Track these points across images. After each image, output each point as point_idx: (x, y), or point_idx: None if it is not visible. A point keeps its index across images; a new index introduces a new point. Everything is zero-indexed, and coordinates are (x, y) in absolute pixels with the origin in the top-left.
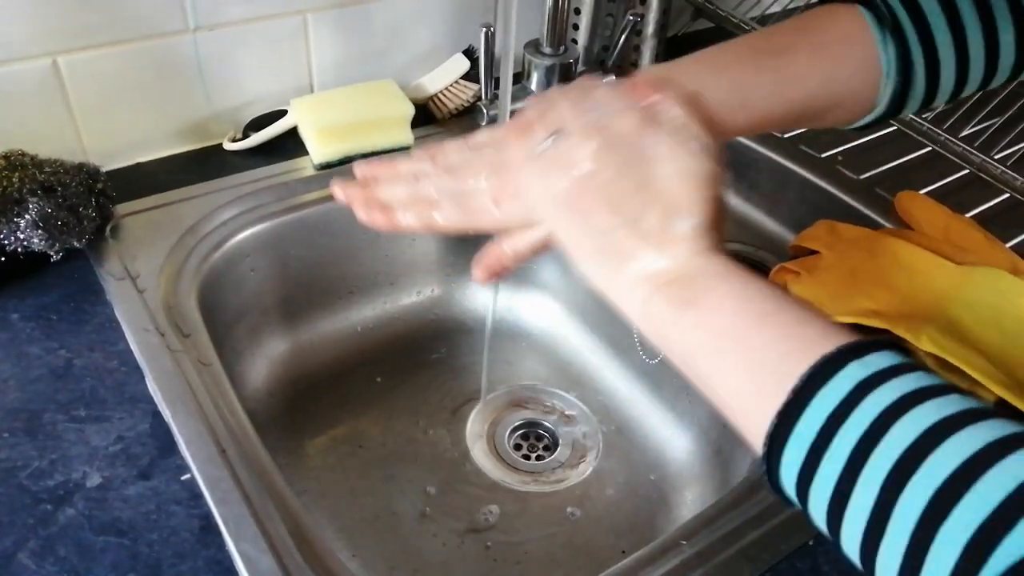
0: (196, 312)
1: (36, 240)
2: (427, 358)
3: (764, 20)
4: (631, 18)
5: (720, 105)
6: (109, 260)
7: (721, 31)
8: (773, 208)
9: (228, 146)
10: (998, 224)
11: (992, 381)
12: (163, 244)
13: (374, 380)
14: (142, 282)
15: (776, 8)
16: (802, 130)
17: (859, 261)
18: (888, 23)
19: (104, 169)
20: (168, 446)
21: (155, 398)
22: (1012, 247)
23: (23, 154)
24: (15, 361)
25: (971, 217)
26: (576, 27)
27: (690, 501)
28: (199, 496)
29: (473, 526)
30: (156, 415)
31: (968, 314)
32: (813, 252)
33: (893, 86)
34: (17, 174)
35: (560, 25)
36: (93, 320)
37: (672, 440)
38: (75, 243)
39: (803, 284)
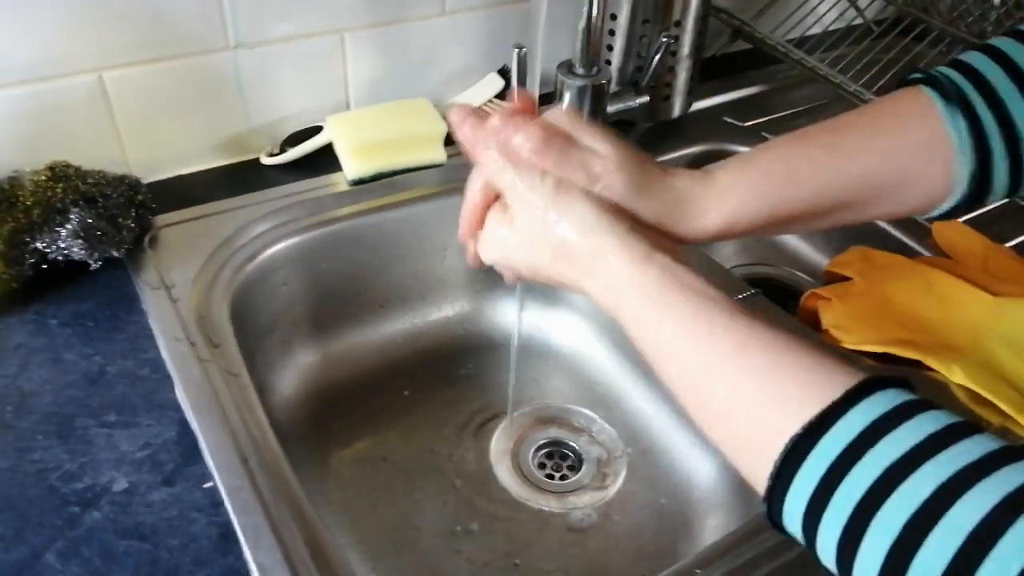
0: (227, 323)
1: (76, 249)
2: (455, 373)
3: (802, 42)
4: (665, 40)
5: (767, 175)
6: (146, 270)
7: (759, 53)
8: (809, 232)
9: (265, 160)
10: None
11: None
12: (199, 255)
13: (402, 394)
14: (176, 292)
15: (816, 30)
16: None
17: (892, 289)
18: (954, 98)
19: (145, 181)
20: (193, 454)
21: (183, 406)
22: None
23: (68, 165)
24: (51, 366)
25: (1010, 247)
26: (610, 48)
27: (713, 528)
28: (220, 504)
29: (494, 544)
30: (183, 423)
31: (1003, 347)
32: (846, 278)
33: (970, 164)
34: (61, 185)
35: (594, 46)
36: (128, 328)
37: (698, 466)
38: (114, 252)
39: (833, 310)
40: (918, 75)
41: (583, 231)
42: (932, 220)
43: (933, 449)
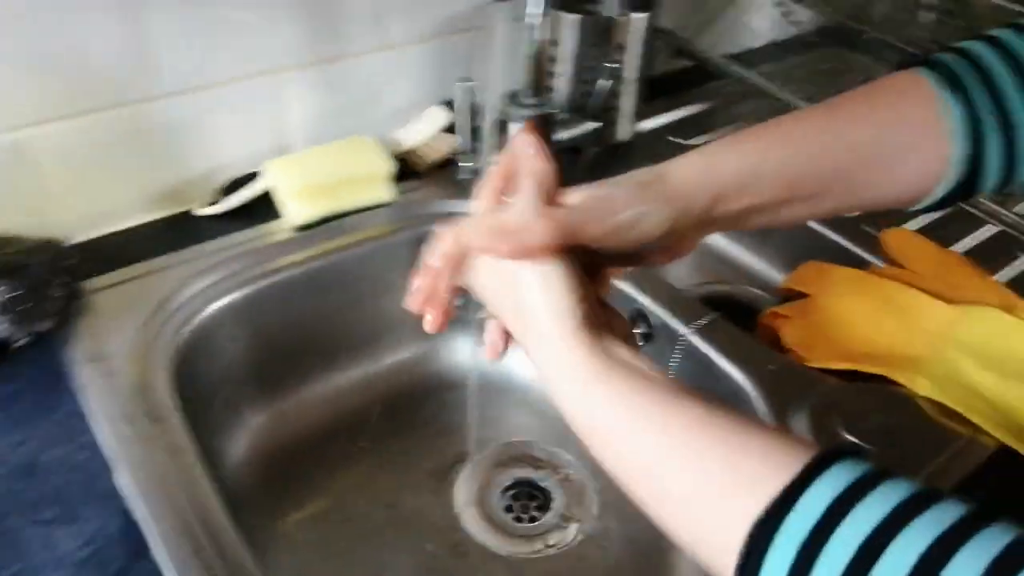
0: (169, 393)
1: (1, 327)
2: (413, 419)
3: (741, 57)
4: (611, 66)
5: (762, 136)
6: (77, 342)
7: (700, 70)
8: (760, 247)
9: (201, 211)
10: (986, 257)
11: (992, 425)
12: (134, 321)
13: (357, 446)
14: (112, 364)
15: (754, 43)
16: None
17: (851, 304)
18: (951, 82)
19: (72, 242)
20: (141, 549)
21: (126, 493)
22: (1002, 281)
23: None
24: None
25: (958, 251)
26: (553, 75)
27: (691, 558)
28: None
29: None
30: (128, 513)
31: (964, 355)
32: (803, 295)
33: (963, 148)
34: None
35: (539, 75)
36: (61, 408)
37: None
38: (41, 326)
39: (794, 328)
40: (915, 59)
41: (544, 304)
42: (926, 209)
43: (905, 518)
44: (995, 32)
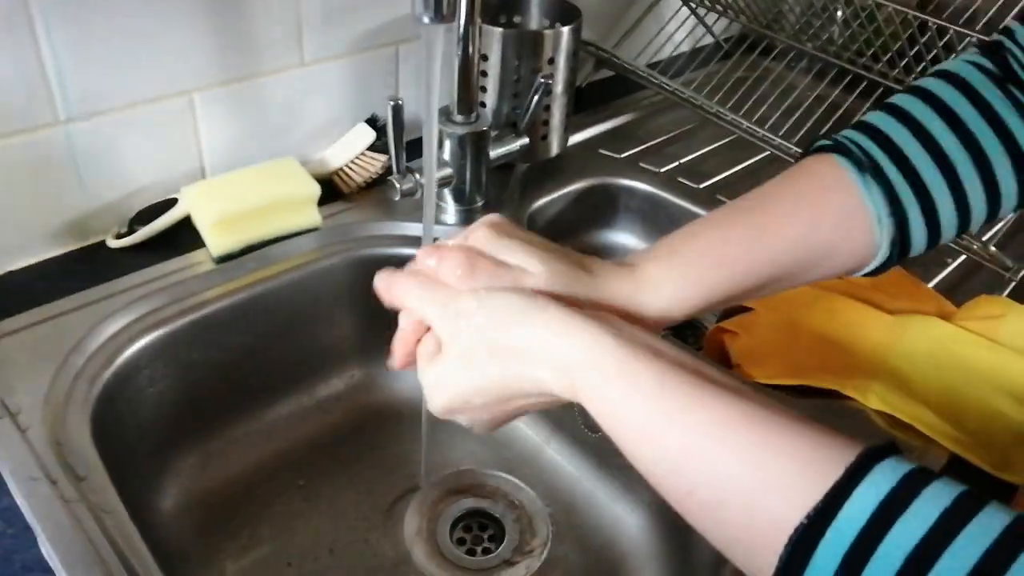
0: (90, 446)
1: None
2: (354, 451)
3: (661, 66)
4: (542, 81)
5: (695, 263)
6: None
7: (622, 79)
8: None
9: (113, 243)
10: (917, 264)
11: (943, 437)
12: (46, 368)
13: (296, 485)
14: (24, 419)
15: (672, 51)
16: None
17: (796, 317)
18: (867, 167)
19: None
20: None
21: (51, 564)
22: (935, 288)
23: None
24: None
25: None
26: (484, 89)
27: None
28: None
29: None
30: None
31: (908, 365)
32: (748, 309)
33: (889, 230)
34: None
35: (469, 92)
36: None
37: (624, 517)
38: None
39: (742, 344)
40: (826, 143)
41: (516, 321)
42: (863, 275)
43: (952, 528)
44: (895, 101)
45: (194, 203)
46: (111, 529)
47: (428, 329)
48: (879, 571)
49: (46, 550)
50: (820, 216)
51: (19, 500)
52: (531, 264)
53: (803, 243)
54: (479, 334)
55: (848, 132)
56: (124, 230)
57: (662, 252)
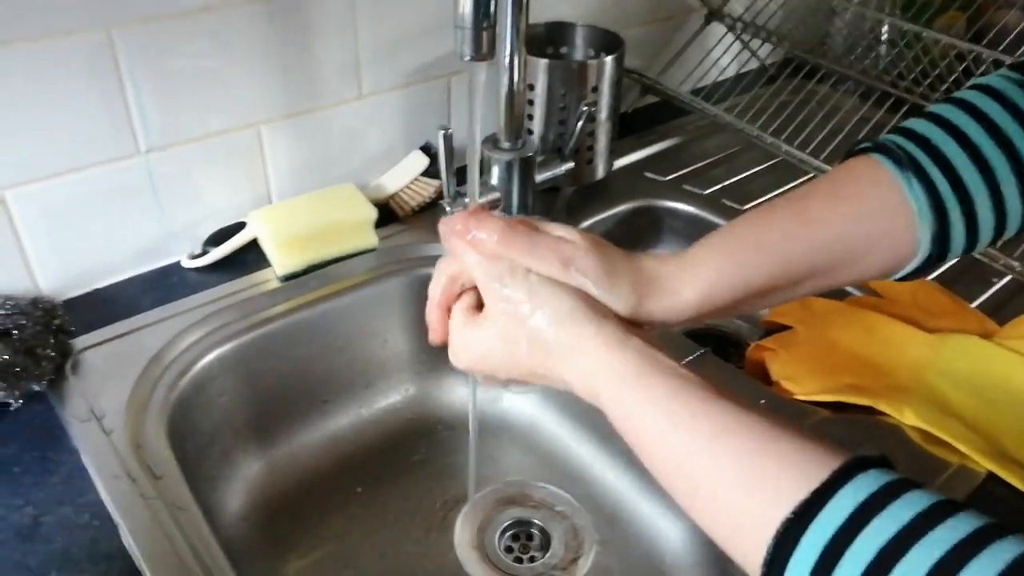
0: (167, 448)
1: None
2: (408, 461)
3: (707, 91)
4: (585, 109)
5: (734, 245)
6: (72, 401)
7: (668, 105)
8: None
9: (187, 263)
10: (961, 284)
11: (979, 454)
12: (127, 376)
13: (355, 491)
14: (108, 422)
15: (718, 76)
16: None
17: (834, 335)
18: (908, 164)
19: (61, 299)
20: None
21: (132, 554)
22: (978, 307)
23: None
24: None
25: (933, 279)
26: (531, 117)
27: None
28: None
29: None
30: (135, 572)
31: (945, 383)
32: (786, 327)
33: (930, 226)
34: None
35: (516, 118)
36: (60, 470)
37: (668, 528)
38: (35, 387)
39: (781, 361)
40: (866, 144)
41: (558, 321)
42: (900, 280)
43: (923, 528)
44: (933, 109)
45: (261, 226)
46: (185, 525)
47: (461, 292)
48: (852, 564)
49: (127, 541)
50: (862, 209)
51: (104, 496)
52: (569, 234)
53: (844, 234)
54: (521, 322)
55: (887, 136)
56: (198, 251)
57: (703, 240)
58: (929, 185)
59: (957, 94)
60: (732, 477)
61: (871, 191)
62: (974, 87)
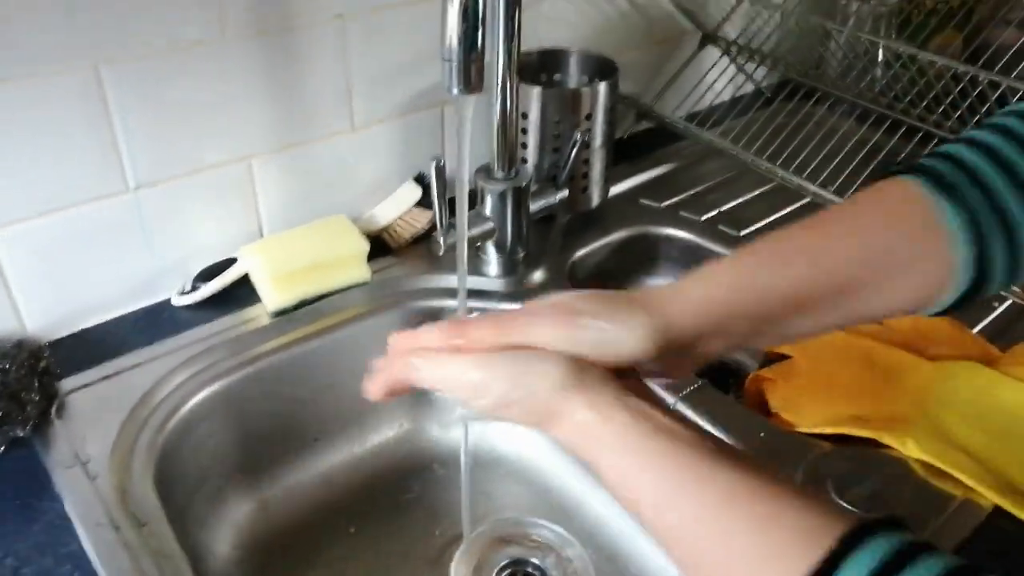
0: (153, 493)
1: None
2: (402, 499)
3: (703, 116)
4: (579, 136)
5: (746, 256)
6: (56, 446)
7: (663, 130)
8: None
9: (177, 300)
10: (961, 309)
11: (985, 486)
12: (114, 419)
13: (348, 532)
14: (93, 467)
15: (713, 100)
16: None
17: (835, 365)
18: (941, 183)
19: (47, 339)
20: None
21: None
22: (980, 333)
23: None
24: None
25: None
26: (524, 146)
27: None
28: None
29: None
30: None
31: (948, 413)
32: (785, 356)
33: (968, 248)
34: None
35: (509, 146)
36: (43, 518)
37: (668, 568)
38: (19, 432)
39: (780, 391)
40: (898, 168)
41: (550, 387)
42: (941, 313)
43: None
44: (971, 134)
45: (252, 261)
46: (169, 574)
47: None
48: None
49: None
50: (890, 227)
51: (86, 545)
52: (557, 296)
53: (868, 252)
54: (510, 397)
55: (922, 160)
56: (188, 287)
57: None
58: (965, 206)
59: (991, 119)
60: (741, 548)
61: (900, 209)
62: (1008, 113)
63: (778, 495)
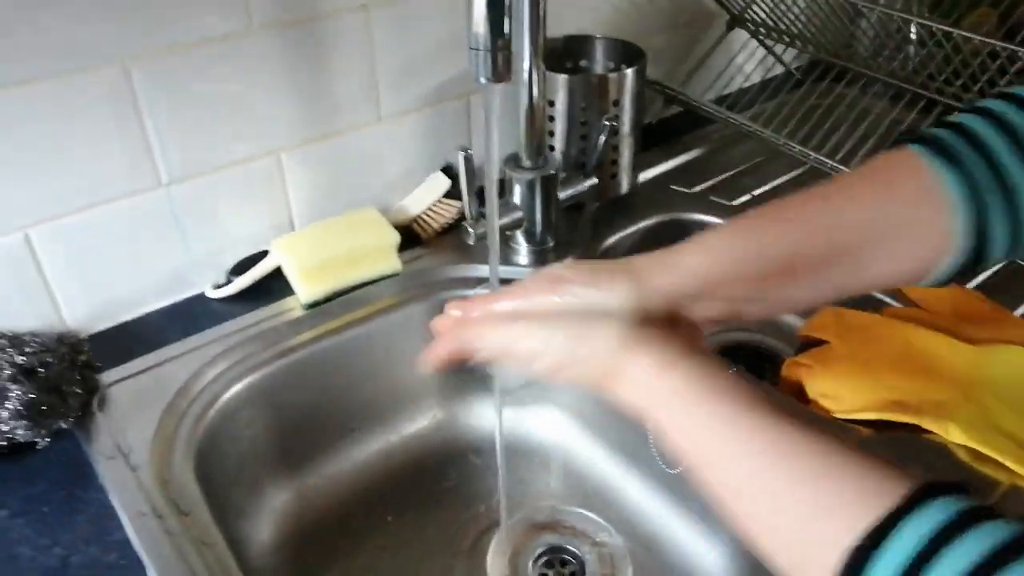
0: (193, 483)
1: (21, 431)
2: (438, 487)
3: (732, 99)
4: (607, 123)
5: (748, 217)
6: (98, 437)
7: (692, 114)
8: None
9: (211, 294)
10: (1003, 292)
11: None
12: (153, 411)
13: (385, 520)
14: (135, 458)
15: (742, 83)
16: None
17: (871, 350)
18: (941, 150)
19: (86, 334)
20: None
21: None
22: (1021, 314)
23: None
24: (5, 565)
25: (973, 288)
26: (552, 134)
27: None
28: None
29: None
30: None
31: (990, 397)
32: (822, 342)
33: (966, 215)
34: None
35: (537, 135)
36: (87, 509)
37: (706, 555)
38: (62, 424)
39: (817, 378)
40: (903, 136)
41: (613, 346)
42: (935, 284)
43: (1000, 561)
44: (984, 103)
45: (284, 254)
46: (212, 561)
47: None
48: None
49: None
50: (888, 192)
51: (130, 534)
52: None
53: (868, 222)
54: (575, 355)
55: (926, 127)
56: (222, 281)
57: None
58: (967, 175)
59: (1010, 88)
60: (798, 501)
61: (902, 176)
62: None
63: (838, 452)
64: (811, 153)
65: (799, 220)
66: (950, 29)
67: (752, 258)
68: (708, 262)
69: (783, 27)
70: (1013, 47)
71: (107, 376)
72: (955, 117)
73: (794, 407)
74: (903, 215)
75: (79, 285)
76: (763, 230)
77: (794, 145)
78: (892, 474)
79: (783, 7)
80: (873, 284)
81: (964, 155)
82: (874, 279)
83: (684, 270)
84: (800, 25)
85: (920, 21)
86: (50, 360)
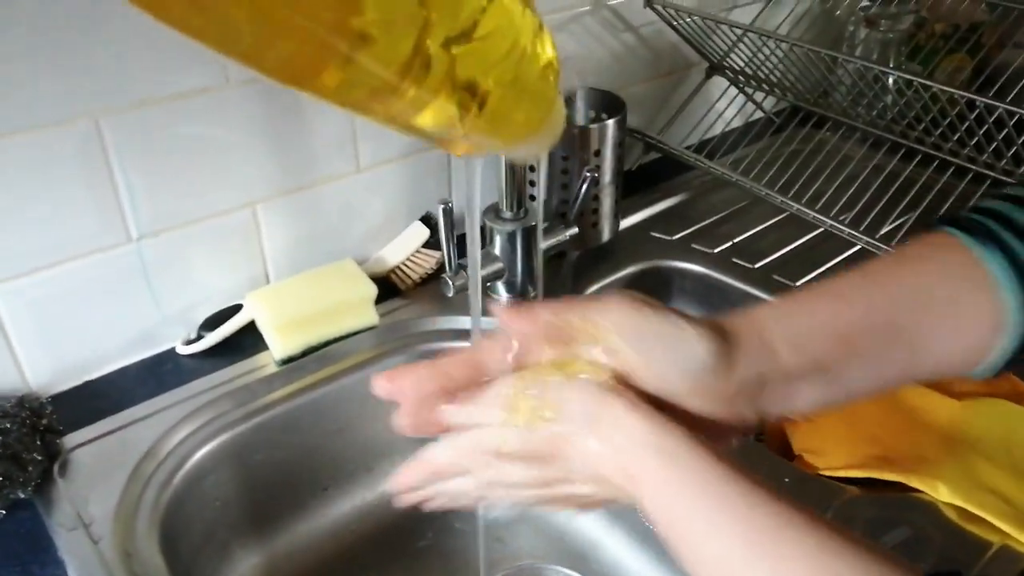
0: (158, 555)
1: None
2: (415, 547)
3: (704, 144)
4: (587, 174)
5: (807, 295)
6: (59, 507)
7: (671, 160)
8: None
9: (182, 349)
10: None
11: (1019, 528)
12: (118, 477)
13: None
14: (96, 529)
15: (717, 130)
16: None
17: (858, 405)
18: (981, 233)
19: (49, 394)
20: None
21: None
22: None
23: None
24: None
25: None
26: (533, 183)
27: None
28: None
29: None
30: None
31: (978, 454)
32: None
33: (1017, 293)
34: None
35: (517, 188)
36: None
37: None
38: (20, 494)
39: (803, 432)
40: (941, 219)
41: (590, 422)
42: (996, 369)
43: None
44: (1011, 190)
45: (258, 308)
46: None
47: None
48: None
49: None
50: (933, 269)
51: None
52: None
53: (919, 289)
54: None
55: (961, 212)
56: (193, 336)
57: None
58: (1008, 253)
59: None
60: None
61: (940, 255)
62: None
63: (841, 552)
64: (793, 204)
65: (857, 297)
66: (929, 83)
67: (804, 332)
68: (797, 337)
69: (762, 75)
70: (988, 100)
71: (70, 439)
72: (989, 203)
73: (764, 464)
74: (950, 293)
75: (43, 344)
76: (815, 306)
77: (777, 196)
78: (891, 564)
79: (761, 56)
80: (936, 367)
81: (1002, 235)
82: (936, 361)
83: (773, 342)
84: (779, 74)
85: (898, 74)
86: (9, 426)
